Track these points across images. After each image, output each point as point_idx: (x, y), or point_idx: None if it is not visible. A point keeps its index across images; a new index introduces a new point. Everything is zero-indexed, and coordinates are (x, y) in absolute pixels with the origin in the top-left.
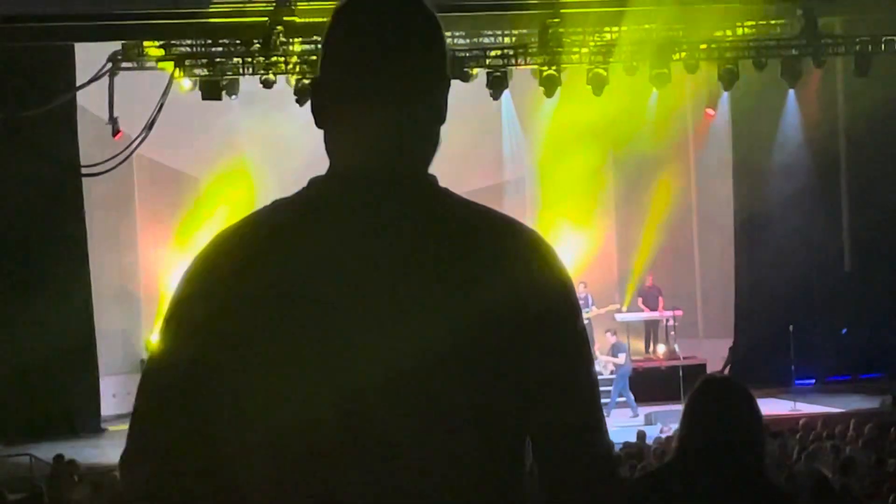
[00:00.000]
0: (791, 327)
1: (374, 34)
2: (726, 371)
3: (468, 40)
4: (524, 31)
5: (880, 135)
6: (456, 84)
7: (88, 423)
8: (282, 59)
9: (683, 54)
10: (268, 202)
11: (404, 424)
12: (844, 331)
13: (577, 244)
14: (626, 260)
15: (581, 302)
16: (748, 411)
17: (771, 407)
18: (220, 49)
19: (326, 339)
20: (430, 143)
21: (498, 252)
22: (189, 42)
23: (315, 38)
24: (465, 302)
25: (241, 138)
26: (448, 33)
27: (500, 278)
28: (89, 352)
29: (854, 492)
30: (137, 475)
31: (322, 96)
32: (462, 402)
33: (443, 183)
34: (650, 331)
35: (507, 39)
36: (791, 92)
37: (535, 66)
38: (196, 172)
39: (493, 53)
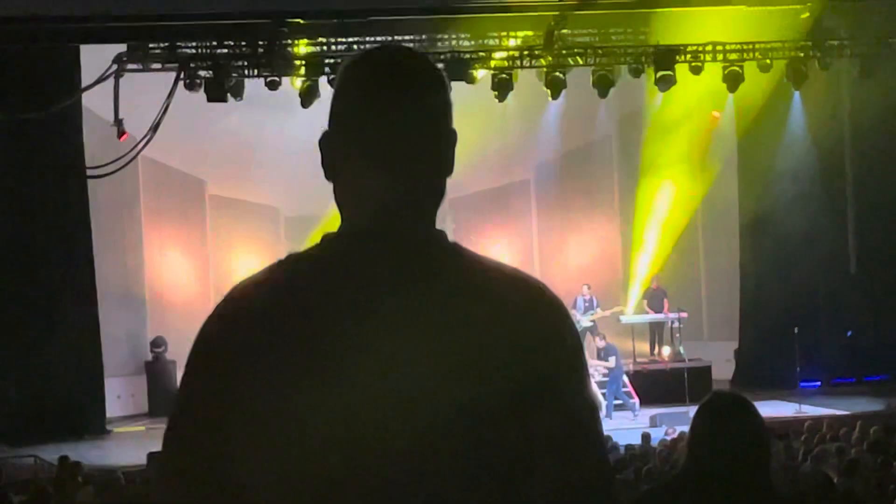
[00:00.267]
0: (796, 329)
1: (380, 91)
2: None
3: (473, 42)
4: (529, 32)
5: (886, 137)
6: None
7: (93, 424)
8: (287, 60)
9: (688, 56)
10: (272, 205)
11: (414, 482)
12: (850, 333)
13: (581, 245)
14: (631, 262)
15: (586, 304)
16: (755, 430)
17: (776, 409)
18: (226, 50)
19: (339, 393)
20: (438, 195)
21: (506, 307)
22: (194, 43)
23: (320, 39)
24: (473, 358)
25: (246, 140)
26: (453, 35)
27: (508, 333)
28: (94, 353)
29: (859, 494)
30: None
31: (331, 151)
32: (472, 456)
33: (449, 183)
34: (655, 333)
35: (512, 41)
36: (797, 94)
37: (541, 69)
38: (201, 174)
39: (498, 55)
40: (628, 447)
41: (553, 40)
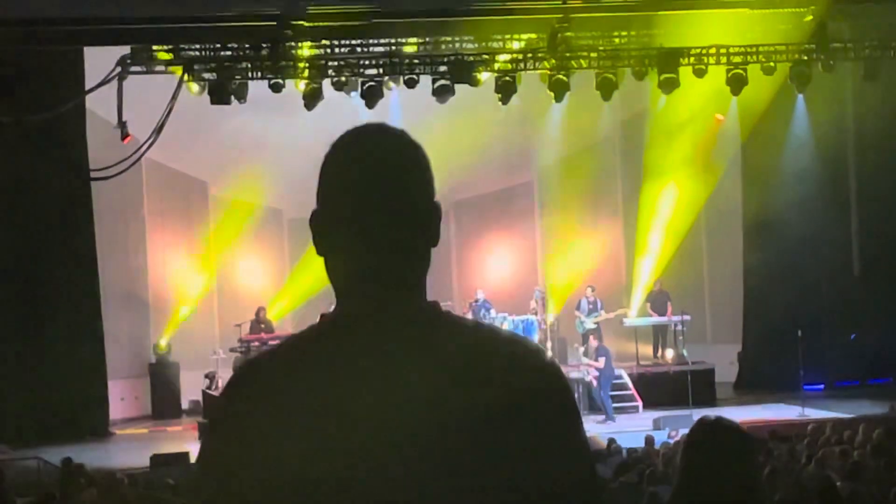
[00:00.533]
0: (799, 332)
1: (362, 173)
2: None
3: (476, 45)
4: (533, 35)
5: (889, 139)
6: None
7: (96, 426)
8: (290, 63)
9: (692, 59)
10: (276, 207)
11: None
12: (853, 336)
13: (585, 248)
14: (635, 264)
15: (590, 306)
16: (742, 459)
17: (779, 412)
18: (229, 53)
19: (341, 463)
20: (424, 265)
21: (500, 368)
22: (198, 46)
23: (324, 41)
24: (467, 419)
25: (249, 142)
26: (457, 38)
27: (503, 394)
28: (97, 355)
29: (863, 497)
30: None
31: (320, 227)
32: None
33: (452, 185)
34: (658, 335)
35: (515, 44)
36: (800, 97)
37: (544, 71)
38: (205, 176)
39: (501, 58)
40: (631, 450)
41: (556, 43)
